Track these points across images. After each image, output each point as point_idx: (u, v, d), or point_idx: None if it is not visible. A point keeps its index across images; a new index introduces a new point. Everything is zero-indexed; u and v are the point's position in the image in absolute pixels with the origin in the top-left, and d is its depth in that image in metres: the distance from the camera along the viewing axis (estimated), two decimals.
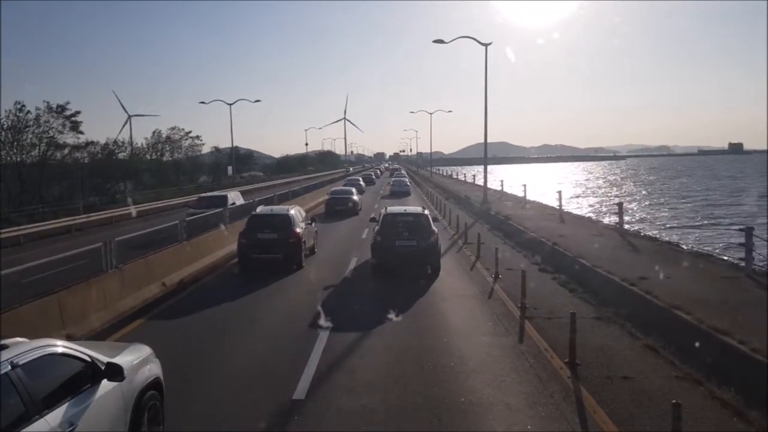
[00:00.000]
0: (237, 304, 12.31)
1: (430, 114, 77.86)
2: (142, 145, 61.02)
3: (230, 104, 56.56)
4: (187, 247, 15.05)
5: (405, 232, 15.24)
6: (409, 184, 53.47)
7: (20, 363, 4.15)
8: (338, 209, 30.77)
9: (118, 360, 5.25)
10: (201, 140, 67.62)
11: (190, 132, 65.06)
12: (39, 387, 4.25)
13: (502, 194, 36.98)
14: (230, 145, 68.43)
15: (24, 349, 4.33)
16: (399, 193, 45.20)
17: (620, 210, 18.26)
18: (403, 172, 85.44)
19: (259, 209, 17.73)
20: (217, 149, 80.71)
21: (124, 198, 45.50)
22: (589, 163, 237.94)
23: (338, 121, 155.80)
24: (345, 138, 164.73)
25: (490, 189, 35.91)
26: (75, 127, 41.44)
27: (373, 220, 18.66)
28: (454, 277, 14.83)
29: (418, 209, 17.05)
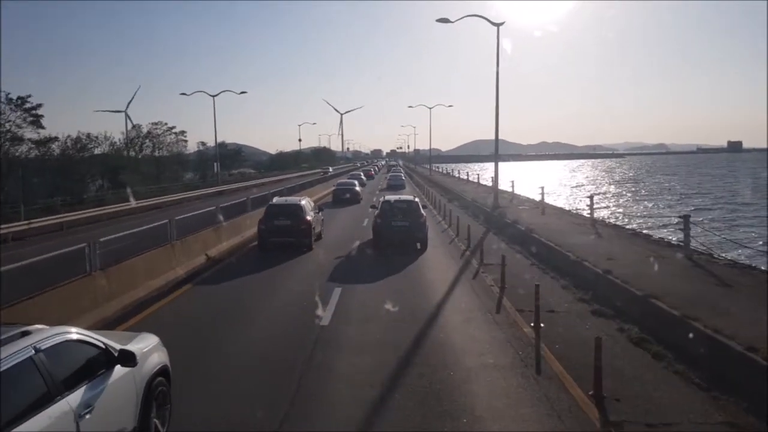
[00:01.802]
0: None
1: (430, 108, 73.88)
2: (119, 140, 56.49)
3: (214, 96, 52.17)
4: (100, 280, 10.71)
5: (399, 215, 18.35)
6: (404, 178, 61.06)
7: (42, 348, 4.36)
8: (343, 198, 36.78)
9: (129, 348, 5.43)
10: (185, 136, 63.11)
11: (173, 127, 60.60)
12: (59, 370, 4.45)
13: (513, 196, 32.65)
14: (219, 141, 64.06)
15: (45, 335, 4.52)
16: (395, 186, 50.79)
17: (686, 225, 13.97)
18: (399, 167, 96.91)
19: (275, 200, 20.25)
20: (203, 144, 76.13)
21: (92, 198, 41.21)
22: (591, 161, 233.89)
23: (337, 111, 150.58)
24: (342, 135, 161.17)
25: (487, 187, 31.65)
26: (36, 121, 36.92)
27: (373, 207, 22.46)
28: (476, 326, 10.47)
29: (410, 197, 20.62)
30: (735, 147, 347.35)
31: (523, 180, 42.91)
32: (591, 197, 20.75)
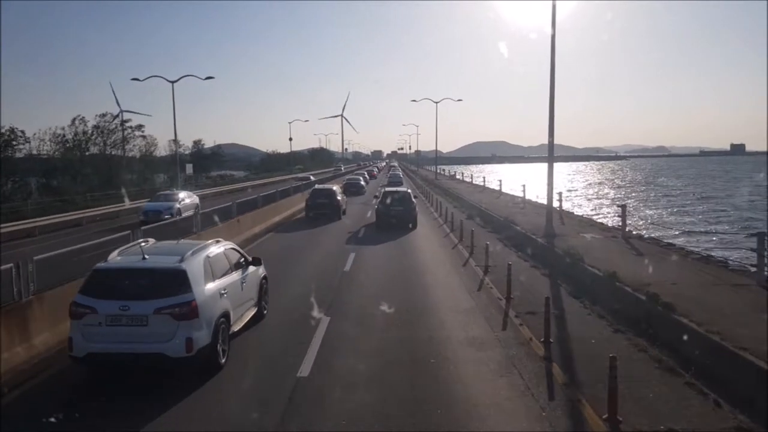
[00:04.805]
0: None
1: (436, 103, 64.91)
2: (62, 135, 46.68)
3: (173, 82, 42.44)
4: None
5: (396, 201, 24.36)
6: (402, 176, 67.18)
7: (225, 247, 9.61)
8: (350, 191, 43.64)
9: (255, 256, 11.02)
10: (142, 131, 53.78)
11: (128, 120, 51.10)
12: (231, 259, 9.53)
13: (561, 214, 23.23)
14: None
15: (224, 242, 9.83)
16: (394, 183, 55.64)
17: None
18: (398, 167, 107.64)
19: (317, 186, 33.18)
20: (174, 142, 66.52)
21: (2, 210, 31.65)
22: (593, 163, 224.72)
23: (335, 116, 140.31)
24: (342, 135, 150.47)
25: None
26: None
27: (376, 197, 31.27)
28: None
29: (405, 189, 28.01)
30: (738, 150, 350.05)
31: (538, 185, 33.24)
32: (761, 236, 11.14)
